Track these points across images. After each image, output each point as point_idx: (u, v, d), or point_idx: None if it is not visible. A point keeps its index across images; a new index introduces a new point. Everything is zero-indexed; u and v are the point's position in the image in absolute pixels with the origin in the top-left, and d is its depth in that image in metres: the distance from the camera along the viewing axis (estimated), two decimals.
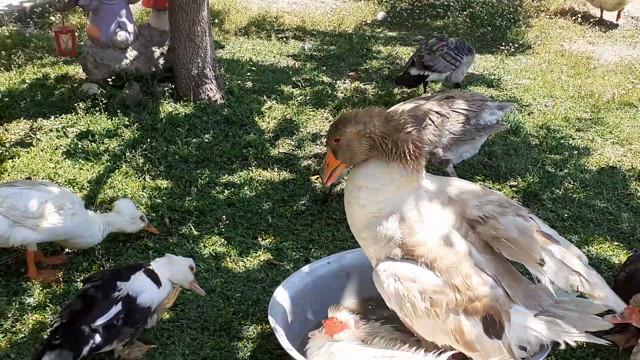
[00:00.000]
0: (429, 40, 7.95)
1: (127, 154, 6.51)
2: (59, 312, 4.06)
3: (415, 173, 3.72)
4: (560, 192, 6.19)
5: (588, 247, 5.38)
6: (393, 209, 3.71)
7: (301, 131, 7.27)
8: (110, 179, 6.14)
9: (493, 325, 3.55)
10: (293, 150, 6.88)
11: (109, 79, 7.56)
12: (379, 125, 3.70)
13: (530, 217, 3.78)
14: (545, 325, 3.62)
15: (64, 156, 6.49)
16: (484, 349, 3.56)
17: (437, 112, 5.72)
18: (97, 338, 3.93)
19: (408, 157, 3.68)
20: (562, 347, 3.63)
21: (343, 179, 5.96)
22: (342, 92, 8.33)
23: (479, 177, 6.43)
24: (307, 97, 8.09)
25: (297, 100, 7.98)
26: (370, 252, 3.85)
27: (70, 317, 3.92)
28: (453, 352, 3.63)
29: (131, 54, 7.71)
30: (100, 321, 3.93)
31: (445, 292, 3.55)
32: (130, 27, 7.68)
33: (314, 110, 7.76)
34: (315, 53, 9.77)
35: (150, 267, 4.28)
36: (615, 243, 5.44)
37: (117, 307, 3.99)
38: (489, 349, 3.56)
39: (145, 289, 4.14)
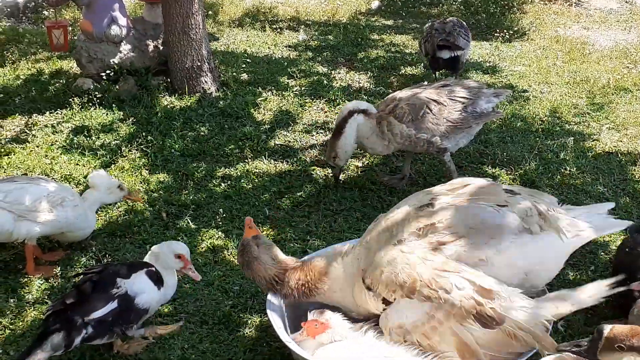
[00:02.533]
0: (435, 25, 7.88)
1: (123, 148, 6.50)
2: (55, 300, 4.03)
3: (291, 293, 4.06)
4: (557, 179, 6.19)
5: None
6: (355, 278, 3.93)
7: (297, 122, 7.26)
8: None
9: (486, 319, 3.52)
10: (289, 141, 6.88)
11: (103, 74, 7.55)
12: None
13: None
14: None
15: (60, 152, 6.48)
16: (491, 344, 3.54)
17: (434, 101, 5.72)
18: (90, 330, 3.91)
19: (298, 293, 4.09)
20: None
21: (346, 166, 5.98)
22: (337, 82, 8.32)
23: (475, 165, 6.42)
24: (303, 88, 8.07)
25: (293, 91, 7.97)
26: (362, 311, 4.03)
27: (65, 306, 3.90)
28: None
29: (125, 47, 7.69)
30: (94, 315, 3.91)
31: (431, 317, 3.57)
32: (124, 21, 7.66)
33: (310, 101, 7.75)
34: (310, 43, 9.75)
35: (154, 268, 4.23)
36: None
37: (112, 304, 3.97)
38: (497, 340, 3.53)
39: (144, 290, 4.10)
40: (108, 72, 7.55)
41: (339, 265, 4.01)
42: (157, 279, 4.19)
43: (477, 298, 3.52)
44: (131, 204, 5.60)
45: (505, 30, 10.12)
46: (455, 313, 3.52)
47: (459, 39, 7.68)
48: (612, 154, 6.64)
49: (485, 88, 6.00)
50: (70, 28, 8.76)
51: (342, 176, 6.15)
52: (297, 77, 8.39)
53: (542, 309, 3.58)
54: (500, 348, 3.54)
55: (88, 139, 6.71)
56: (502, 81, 8.44)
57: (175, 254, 4.29)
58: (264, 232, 5.40)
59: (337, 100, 7.70)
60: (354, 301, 3.94)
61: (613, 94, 8.03)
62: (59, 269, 4.94)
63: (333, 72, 8.65)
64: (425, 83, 6.38)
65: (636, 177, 6.21)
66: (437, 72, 8.06)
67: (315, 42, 9.82)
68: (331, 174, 6.13)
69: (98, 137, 6.74)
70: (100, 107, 7.25)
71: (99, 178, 5.18)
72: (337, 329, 3.85)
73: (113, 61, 7.61)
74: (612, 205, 4.15)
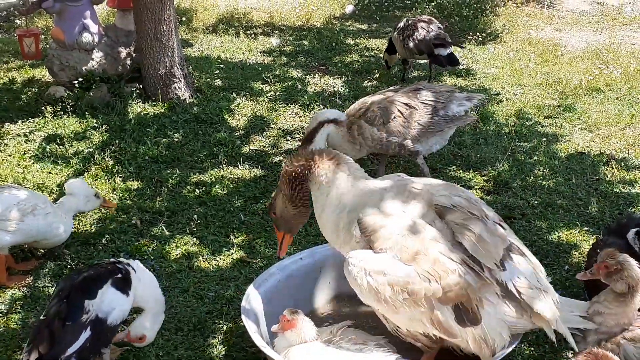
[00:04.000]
0: (419, 25, 7.94)
1: (96, 156, 6.46)
2: (29, 343, 3.75)
3: (325, 180, 3.91)
4: (530, 180, 6.24)
5: (558, 233, 5.42)
6: (353, 210, 3.80)
7: (272, 127, 7.26)
8: None
9: (466, 314, 3.55)
10: (264, 146, 6.87)
11: (76, 81, 7.49)
12: (284, 185, 4.04)
13: (500, 224, 3.80)
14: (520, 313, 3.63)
15: (32, 160, 6.43)
16: (463, 335, 3.56)
17: (405, 104, 5.76)
18: None
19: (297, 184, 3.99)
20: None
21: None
22: (312, 87, 8.32)
23: (449, 168, 6.45)
24: (277, 93, 8.07)
25: (267, 97, 7.96)
26: (344, 252, 3.89)
27: (37, 350, 3.67)
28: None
29: (97, 55, 7.65)
30: (71, 350, 3.73)
31: (417, 282, 3.52)
32: (95, 29, 7.61)
33: (284, 106, 7.75)
34: (284, 49, 9.76)
35: (119, 275, 4.01)
36: (585, 228, 5.48)
37: (86, 333, 3.78)
38: (468, 334, 3.57)
39: (114, 306, 3.91)
40: (80, 79, 7.49)
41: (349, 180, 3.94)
42: (125, 284, 4.00)
43: (470, 291, 3.52)
44: (105, 211, 5.57)
45: (478, 33, 10.18)
46: (443, 293, 3.52)
47: (447, 35, 7.97)
48: (584, 154, 6.70)
49: (458, 92, 6.04)
50: (42, 36, 8.69)
51: None
52: (271, 82, 8.39)
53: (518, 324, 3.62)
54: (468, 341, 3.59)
55: (61, 147, 6.66)
56: (475, 83, 8.49)
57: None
58: (239, 238, 5.39)
59: (312, 105, 7.71)
60: (334, 223, 3.88)
61: (585, 95, 8.10)
62: (32, 278, 4.90)
63: (307, 76, 8.66)
64: (398, 86, 6.41)
65: (608, 177, 6.27)
66: (406, 73, 8.31)
67: (290, 47, 9.82)
68: None
69: (71, 145, 6.69)
70: (73, 115, 7.20)
71: (77, 185, 5.15)
72: (305, 331, 3.90)
73: (85, 69, 7.56)
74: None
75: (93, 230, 5.42)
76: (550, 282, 4.56)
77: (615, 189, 6.04)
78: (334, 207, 3.88)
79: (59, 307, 3.81)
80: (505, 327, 3.59)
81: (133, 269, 4.10)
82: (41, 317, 3.85)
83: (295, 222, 4.21)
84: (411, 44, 7.84)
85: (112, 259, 4.20)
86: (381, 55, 9.03)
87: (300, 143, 6.20)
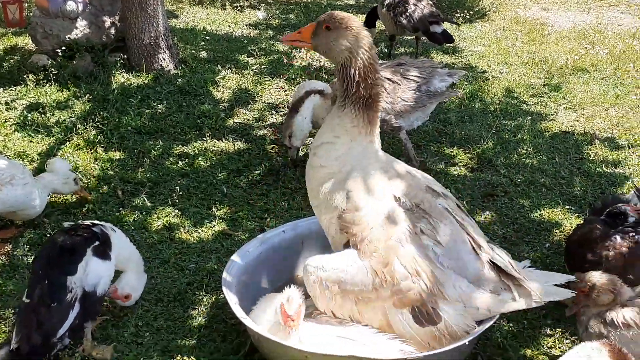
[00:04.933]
0: (410, 0, 7.89)
1: (79, 126, 6.39)
2: (17, 332, 3.66)
3: (366, 125, 3.75)
4: (514, 158, 6.24)
5: (540, 211, 5.43)
6: (345, 174, 3.74)
7: (256, 101, 7.21)
8: (61, 152, 6.03)
9: (423, 316, 3.54)
10: (248, 120, 6.83)
11: (59, 50, 7.40)
12: (360, 60, 3.69)
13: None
14: (491, 299, 3.64)
15: (14, 129, 6.36)
16: (414, 337, 3.56)
17: (388, 79, 5.72)
18: (66, 340, 3.77)
19: (362, 104, 3.71)
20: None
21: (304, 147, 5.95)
22: (298, 61, 8.27)
23: (434, 145, 6.44)
24: (263, 67, 8.02)
25: (253, 70, 7.90)
26: (323, 223, 3.87)
27: (28, 338, 3.62)
28: None
29: (81, 23, 7.56)
30: (61, 331, 3.71)
31: (371, 287, 3.55)
32: None
33: (269, 80, 7.70)
34: (270, 22, 9.68)
35: (97, 242, 3.94)
36: (567, 207, 5.50)
37: (74, 311, 3.75)
38: (420, 337, 3.56)
39: (101, 275, 3.87)
40: (64, 48, 7.41)
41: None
42: (105, 250, 3.95)
43: (424, 296, 3.52)
44: (87, 181, 5.52)
45: (466, 11, 10.14)
46: (398, 298, 3.53)
47: (439, 12, 7.98)
48: (568, 134, 6.71)
49: (440, 67, 6.02)
50: (25, 4, 8.57)
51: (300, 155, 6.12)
52: (257, 55, 8.33)
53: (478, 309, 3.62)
54: (427, 340, 3.58)
55: (42, 116, 6.59)
56: (462, 61, 8.46)
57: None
58: (221, 211, 5.37)
59: (297, 79, 7.66)
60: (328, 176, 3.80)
61: (571, 75, 8.10)
62: (10, 246, 4.86)
63: (293, 50, 8.59)
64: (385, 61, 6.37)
65: (592, 156, 6.28)
66: (392, 49, 8.34)
67: (276, 20, 9.75)
68: (288, 156, 6.02)
69: (53, 114, 6.62)
70: (56, 84, 7.12)
71: (59, 165, 5.14)
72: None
73: (69, 37, 7.47)
74: (571, 278, 3.85)
75: (74, 199, 5.38)
76: (531, 259, 4.62)
77: (598, 169, 6.05)
78: (334, 161, 3.79)
79: (41, 289, 3.73)
80: (470, 320, 3.60)
81: (113, 229, 4.07)
82: (24, 300, 3.77)
83: (330, 56, 3.81)
84: (404, 21, 7.80)
85: (86, 222, 4.13)
86: None
87: (285, 115, 6.16)
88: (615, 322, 3.65)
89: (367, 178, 3.74)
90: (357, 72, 3.70)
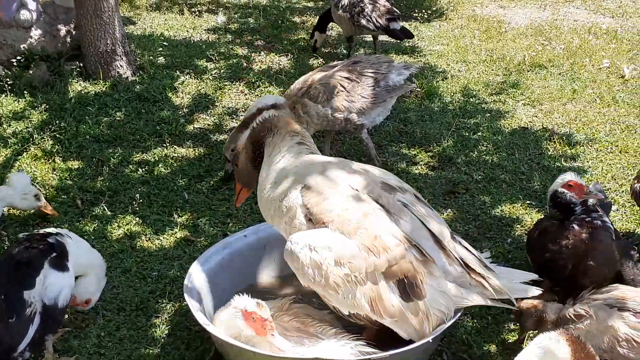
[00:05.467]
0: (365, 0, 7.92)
1: (35, 136, 6.29)
2: None
3: (283, 137, 3.95)
4: (474, 155, 6.28)
5: (501, 207, 5.48)
6: (293, 179, 3.77)
7: (216, 105, 7.18)
8: (18, 163, 5.94)
9: (411, 288, 3.53)
10: (208, 125, 6.79)
11: (14, 60, 7.29)
12: (248, 143, 4.13)
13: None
14: (460, 290, 3.65)
15: None
16: (402, 315, 3.54)
17: (346, 78, 5.75)
18: (26, 355, 3.70)
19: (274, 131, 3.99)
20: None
21: None
22: (257, 65, 8.24)
23: (395, 144, 6.46)
24: (222, 71, 7.98)
25: (212, 75, 7.86)
26: (283, 231, 3.85)
27: None
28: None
29: (36, 32, 7.45)
30: (22, 346, 3.64)
31: (363, 257, 3.50)
32: (33, 5, 7.41)
33: (229, 84, 7.66)
34: (229, 26, 9.64)
35: (54, 253, 3.86)
36: (528, 202, 5.55)
37: (34, 324, 3.68)
38: (405, 313, 3.55)
39: (61, 286, 3.79)
40: (19, 58, 7.29)
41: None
42: (62, 261, 3.87)
43: (416, 265, 3.53)
44: (44, 192, 5.43)
45: (424, 10, 10.19)
46: (388, 267, 3.51)
47: (395, 9, 8.04)
48: (527, 130, 6.77)
49: (396, 62, 6.07)
50: None
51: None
52: (216, 60, 8.29)
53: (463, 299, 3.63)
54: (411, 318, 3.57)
55: None
56: (421, 60, 8.50)
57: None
58: (183, 217, 5.33)
59: (257, 83, 7.63)
60: (273, 191, 3.85)
61: (528, 71, 8.18)
62: None
63: (253, 54, 8.57)
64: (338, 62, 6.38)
65: (550, 151, 6.35)
66: (351, 50, 8.17)
67: (235, 24, 9.71)
68: (226, 169, 5.85)
69: (9, 125, 6.52)
70: (11, 94, 7.01)
71: (18, 179, 5.05)
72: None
73: (24, 47, 7.36)
74: (534, 277, 3.86)
75: (32, 210, 5.28)
76: (494, 255, 4.66)
77: (557, 163, 6.12)
78: (278, 173, 3.86)
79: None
80: (450, 301, 3.61)
81: (69, 237, 4.01)
82: None
83: (254, 179, 4.16)
84: (363, 21, 7.81)
85: (40, 231, 4.05)
86: (327, 32, 8.99)
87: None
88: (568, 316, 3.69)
89: (324, 171, 3.78)
90: (257, 144, 4.08)
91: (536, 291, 3.76)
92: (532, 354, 2.88)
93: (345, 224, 3.57)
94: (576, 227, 4.25)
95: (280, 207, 3.77)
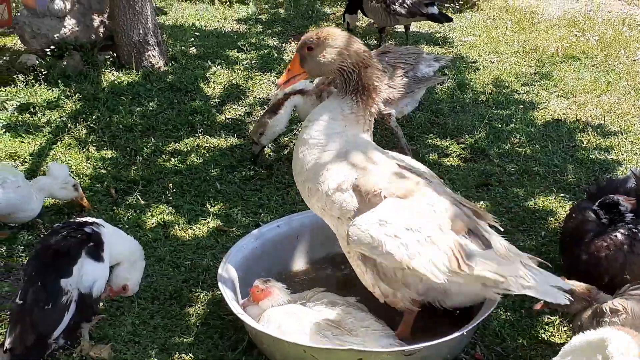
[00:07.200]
0: None
1: (69, 125, 6.36)
2: (10, 332, 3.65)
3: (365, 114, 3.78)
4: (507, 147, 6.24)
5: (535, 199, 5.43)
6: (341, 149, 3.71)
7: (248, 96, 7.19)
8: (52, 152, 6.01)
9: (480, 239, 3.55)
10: (240, 115, 6.81)
11: (48, 49, 7.36)
12: (355, 55, 3.74)
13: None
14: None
15: (4, 130, 6.32)
16: (484, 264, 3.47)
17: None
18: (61, 341, 3.76)
19: (362, 93, 3.75)
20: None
21: (269, 146, 5.95)
22: (288, 56, 8.24)
23: (427, 136, 6.43)
24: (253, 62, 7.99)
25: (243, 65, 7.88)
26: (315, 207, 3.81)
27: (21, 339, 3.60)
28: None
29: (69, 22, 7.51)
30: (56, 333, 3.69)
31: (428, 218, 3.50)
32: None
33: (260, 75, 7.67)
34: (260, 17, 9.65)
35: (91, 242, 3.88)
36: (561, 194, 5.50)
37: (69, 312, 3.72)
38: (487, 261, 3.48)
39: (96, 277, 3.83)
40: (53, 47, 7.36)
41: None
42: (98, 251, 3.89)
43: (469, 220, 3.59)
44: (79, 180, 5.48)
45: (455, 1, 10.12)
46: (457, 222, 3.53)
47: None
48: (560, 122, 6.71)
49: (426, 53, 6.04)
50: (13, 3, 8.53)
51: (268, 151, 6.09)
52: (247, 50, 8.30)
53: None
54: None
55: (33, 116, 6.56)
56: (452, 52, 8.45)
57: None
58: (215, 207, 5.35)
59: None
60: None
61: (561, 62, 8.10)
62: (4, 248, 4.83)
63: (283, 45, 8.58)
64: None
65: (584, 143, 6.29)
66: (382, 41, 8.22)
67: (266, 15, 9.72)
68: (253, 150, 5.94)
69: (43, 114, 6.59)
70: (45, 84, 7.09)
71: (58, 168, 5.11)
72: (276, 297, 3.92)
73: (57, 36, 7.42)
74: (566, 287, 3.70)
75: (66, 201, 5.33)
76: (527, 248, 4.62)
77: (591, 156, 6.05)
78: (331, 140, 3.75)
79: (35, 291, 3.69)
80: (514, 250, 3.63)
81: (103, 226, 4.04)
82: (17, 301, 3.71)
83: (325, 72, 3.88)
84: (399, 8, 7.76)
85: (77, 220, 4.08)
86: (357, 23, 8.96)
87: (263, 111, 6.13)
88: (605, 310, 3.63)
89: (366, 153, 3.73)
90: (354, 66, 3.74)
91: (566, 300, 3.58)
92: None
93: (398, 190, 3.57)
94: (619, 236, 4.14)
95: (324, 180, 3.68)
